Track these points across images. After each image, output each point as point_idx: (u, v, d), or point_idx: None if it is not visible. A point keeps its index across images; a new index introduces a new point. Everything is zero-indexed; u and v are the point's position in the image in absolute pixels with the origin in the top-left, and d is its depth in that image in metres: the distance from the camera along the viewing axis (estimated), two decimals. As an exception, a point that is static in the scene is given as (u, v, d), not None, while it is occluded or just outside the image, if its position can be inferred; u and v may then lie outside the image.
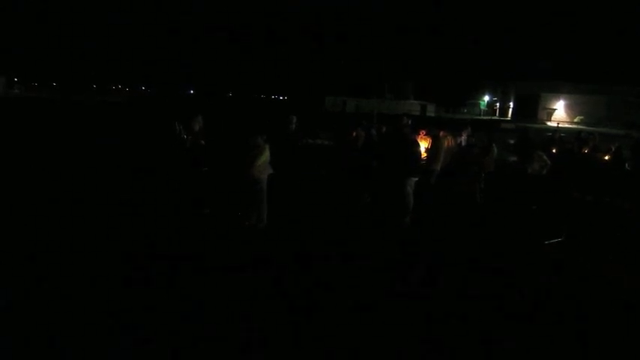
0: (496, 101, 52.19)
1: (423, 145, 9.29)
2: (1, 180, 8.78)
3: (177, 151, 7.45)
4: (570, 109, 42.63)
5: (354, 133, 9.04)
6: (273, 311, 4.37)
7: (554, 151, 10.81)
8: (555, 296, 5.03)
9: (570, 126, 33.83)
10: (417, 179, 7.30)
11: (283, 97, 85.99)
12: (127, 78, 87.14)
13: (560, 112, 42.59)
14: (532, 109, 43.20)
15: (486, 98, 55.33)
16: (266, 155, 6.52)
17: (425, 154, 9.20)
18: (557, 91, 43.20)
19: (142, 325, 3.97)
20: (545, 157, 7.74)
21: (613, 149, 10.46)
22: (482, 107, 53.97)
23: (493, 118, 43.90)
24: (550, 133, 14.80)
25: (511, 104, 47.33)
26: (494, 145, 8.81)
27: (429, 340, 4.01)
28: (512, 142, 13.56)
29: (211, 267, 5.29)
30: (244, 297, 4.61)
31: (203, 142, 7.52)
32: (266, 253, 5.82)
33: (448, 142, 9.12)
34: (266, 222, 6.69)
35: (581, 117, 40.67)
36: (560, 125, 29.40)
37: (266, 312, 4.34)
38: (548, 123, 37.21)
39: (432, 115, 44.19)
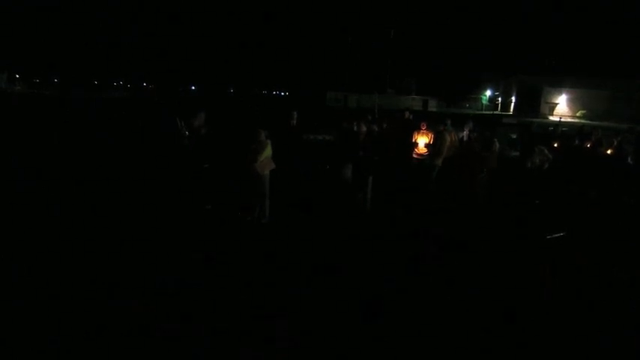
0: (498, 96, 51.89)
1: (424, 140, 9.28)
2: (2, 178, 8.80)
3: (179, 147, 7.45)
4: (573, 103, 42.37)
5: (355, 127, 9.04)
6: (274, 307, 4.39)
7: (555, 145, 10.79)
8: (556, 292, 5.04)
9: (573, 120, 33.70)
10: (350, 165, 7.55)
11: (285, 93, 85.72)
12: (129, 74, 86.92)
13: (562, 107, 42.33)
14: (534, 103, 43.01)
15: (488, 93, 55.07)
16: (268, 151, 6.54)
17: (426, 150, 9.20)
18: (559, 86, 42.92)
19: (142, 322, 4.00)
20: (546, 151, 7.72)
21: (615, 143, 10.42)
22: (484, 102, 53.69)
23: (495, 112, 43.68)
24: (552, 128, 14.75)
25: (513, 99, 47.13)
26: (496, 140, 8.79)
27: (428, 337, 4.02)
28: (514, 136, 13.51)
29: (213, 263, 5.32)
30: (246, 293, 4.63)
31: (203, 130, 7.52)
32: (268, 248, 5.84)
33: (451, 137, 9.11)
34: (268, 217, 6.71)
35: (584, 111, 40.44)
36: (562, 119, 29.27)
37: (268, 308, 4.36)
38: (551, 117, 37.05)
39: (434, 110, 44.02)
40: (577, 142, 11.22)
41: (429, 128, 9.37)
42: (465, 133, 10.46)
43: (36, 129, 16.23)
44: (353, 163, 7.68)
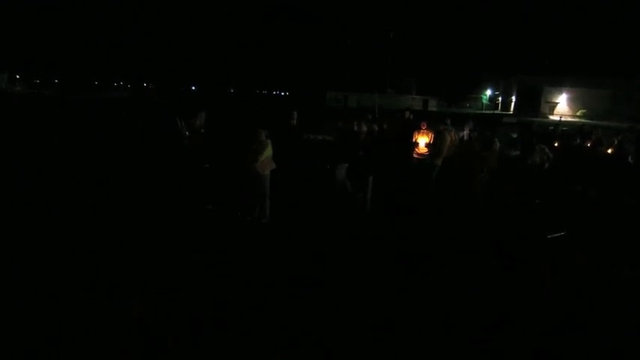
0: (498, 95, 51.88)
1: (424, 139, 9.28)
2: (2, 178, 8.78)
3: (179, 147, 7.46)
4: (573, 102, 42.34)
5: (355, 127, 9.03)
6: (275, 307, 4.38)
7: (556, 145, 10.78)
8: (558, 291, 5.04)
9: (573, 119, 33.67)
10: (346, 165, 7.71)
11: (285, 93, 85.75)
12: (129, 75, 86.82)
13: (562, 106, 42.32)
14: (534, 103, 42.97)
15: (488, 92, 55.10)
16: (269, 151, 6.54)
17: (426, 150, 9.20)
18: (559, 85, 42.89)
19: (142, 322, 4.00)
20: (547, 150, 7.71)
21: (616, 143, 10.42)
22: (484, 101, 53.71)
23: (495, 112, 43.64)
24: (552, 127, 14.74)
25: (513, 98, 47.09)
26: (496, 139, 8.79)
27: (428, 337, 4.02)
28: (514, 136, 13.51)
29: (214, 262, 5.31)
30: (246, 293, 4.63)
31: (202, 130, 7.52)
32: (269, 248, 5.83)
33: (451, 136, 9.10)
34: (269, 217, 6.71)
35: (584, 110, 40.41)
36: (562, 119, 29.26)
37: (268, 308, 4.35)
38: (551, 117, 37.01)
39: (434, 109, 44.00)
40: (578, 141, 11.21)
41: (430, 128, 9.36)
42: (466, 132, 10.46)
43: (36, 129, 16.20)
44: (350, 163, 7.69)
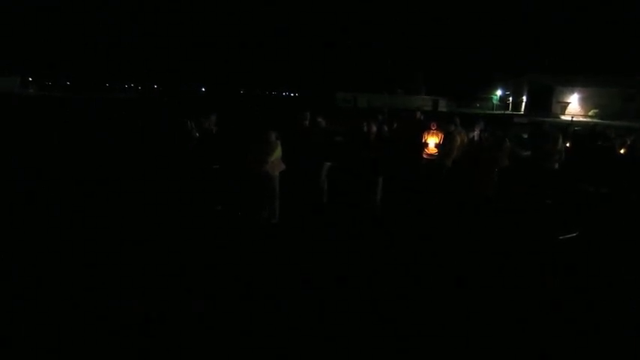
0: (509, 95, 51.52)
1: (434, 140, 9.24)
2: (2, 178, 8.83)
3: (188, 148, 7.49)
4: (585, 102, 41.86)
5: (365, 127, 9.00)
6: (283, 308, 4.39)
7: (567, 145, 10.68)
8: (569, 294, 4.99)
9: (585, 119, 33.29)
10: (329, 164, 7.69)
11: (294, 94, 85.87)
12: (139, 76, 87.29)
13: (574, 106, 41.89)
14: (545, 102, 42.56)
15: (499, 92, 54.76)
16: (278, 151, 6.55)
17: (436, 150, 9.15)
18: (571, 85, 42.46)
19: (146, 322, 4.01)
20: (560, 141, 7.65)
21: (628, 142, 10.30)
22: (494, 102, 53.40)
23: (506, 112, 43.33)
24: (564, 127, 14.59)
25: (524, 98, 46.69)
26: (507, 139, 8.73)
27: (433, 338, 4.00)
28: (525, 136, 13.40)
29: (223, 263, 5.33)
30: (255, 294, 4.64)
31: (213, 131, 7.55)
32: (279, 248, 5.84)
33: (461, 137, 9.05)
34: (278, 217, 6.72)
35: (596, 110, 39.93)
36: (574, 119, 28.99)
37: (276, 309, 4.36)
38: (562, 117, 36.66)
39: (444, 110, 43.76)
40: (590, 141, 11.07)
41: (439, 128, 9.32)
42: (476, 133, 10.38)
43: (37, 129, 16.28)
44: (333, 163, 7.70)
